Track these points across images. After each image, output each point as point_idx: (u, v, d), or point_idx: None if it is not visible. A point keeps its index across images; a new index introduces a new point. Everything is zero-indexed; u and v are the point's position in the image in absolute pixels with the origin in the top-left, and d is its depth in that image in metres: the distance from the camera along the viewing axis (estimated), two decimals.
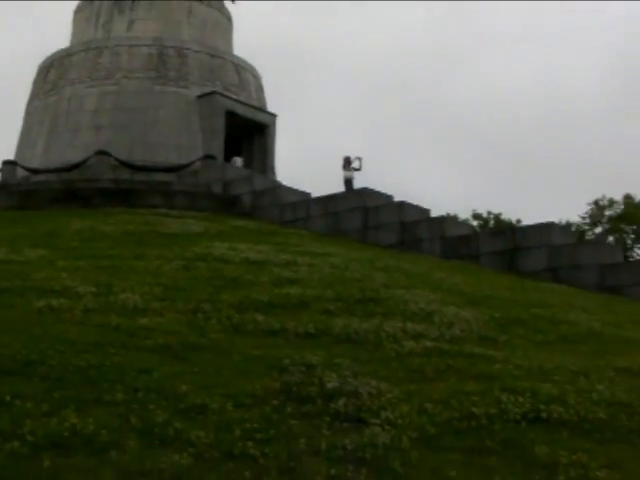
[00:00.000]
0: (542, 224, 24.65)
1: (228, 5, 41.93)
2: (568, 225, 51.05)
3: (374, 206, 28.21)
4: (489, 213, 60.35)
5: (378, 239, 27.08)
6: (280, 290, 15.25)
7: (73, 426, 8.18)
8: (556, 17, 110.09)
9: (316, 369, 10.35)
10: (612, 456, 8.23)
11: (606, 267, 22.70)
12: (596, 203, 57.47)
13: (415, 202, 28.34)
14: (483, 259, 24.57)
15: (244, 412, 8.93)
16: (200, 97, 36.48)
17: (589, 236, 55.02)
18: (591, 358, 12.18)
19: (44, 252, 18.99)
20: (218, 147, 35.89)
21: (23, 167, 36.02)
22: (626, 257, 38.56)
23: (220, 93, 36.67)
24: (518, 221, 55.52)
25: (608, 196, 57.32)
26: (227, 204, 32.18)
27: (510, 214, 59.19)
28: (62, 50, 39.00)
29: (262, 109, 39.25)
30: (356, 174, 33.75)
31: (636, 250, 55.58)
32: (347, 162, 33.87)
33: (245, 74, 39.36)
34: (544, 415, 9.15)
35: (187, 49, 37.67)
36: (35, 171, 35.47)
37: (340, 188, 32.83)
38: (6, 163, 36.86)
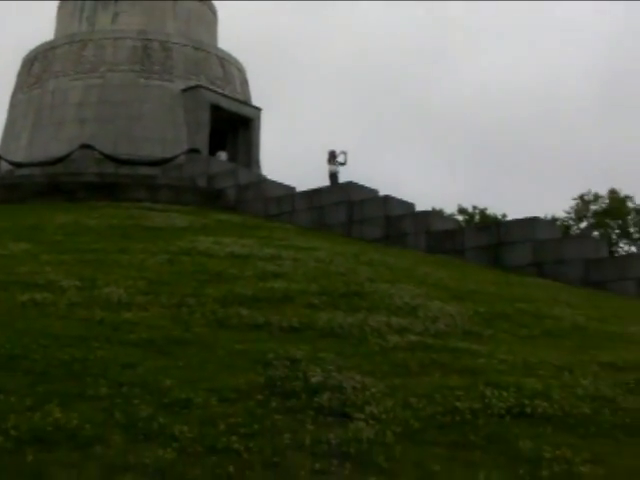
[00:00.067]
0: (527, 219, 24.69)
1: None
2: (553, 220, 51.22)
3: (359, 200, 28.23)
4: (474, 208, 60.52)
5: (363, 233, 27.09)
6: (264, 284, 15.23)
7: (57, 421, 8.15)
8: (557, 17, 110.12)
9: (300, 363, 10.34)
10: (596, 451, 8.24)
11: (591, 262, 22.78)
12: (581, 198, 57.66)
13: (400, 197, 28.41)
14: (468, 254, 24.61)
15: (228, 407, 8.91)
16: (185, 90, 36.40)
17: (574, 231, 55.21)
18: (575, 353, 12.22)
19: (28, 246, 18.91)
20: (203, 141, 35.82)
21: (7, 161, 35.85)
22: (611, 252, 38.80)
23: (205, 87, 36.61)
24: (503, 216, 55.73)
25: (593, 191, 57.66)
26: (211, 198, 32.12)
27: (495, 209, 59.49)
28: (46, 43, 38.80)
29: (247, 103, 39.18)
30: (341, 168, 33.79)
31: (621, 245, 55.82)
32: (332, 156, 33.85)
33: (230, 67, 39.26)
34: (528, 410, 9.17)
35: (172, 42, 37.55)
36: (19, 165, 35.31)
37: (325, 182, 32.85)
38: None
